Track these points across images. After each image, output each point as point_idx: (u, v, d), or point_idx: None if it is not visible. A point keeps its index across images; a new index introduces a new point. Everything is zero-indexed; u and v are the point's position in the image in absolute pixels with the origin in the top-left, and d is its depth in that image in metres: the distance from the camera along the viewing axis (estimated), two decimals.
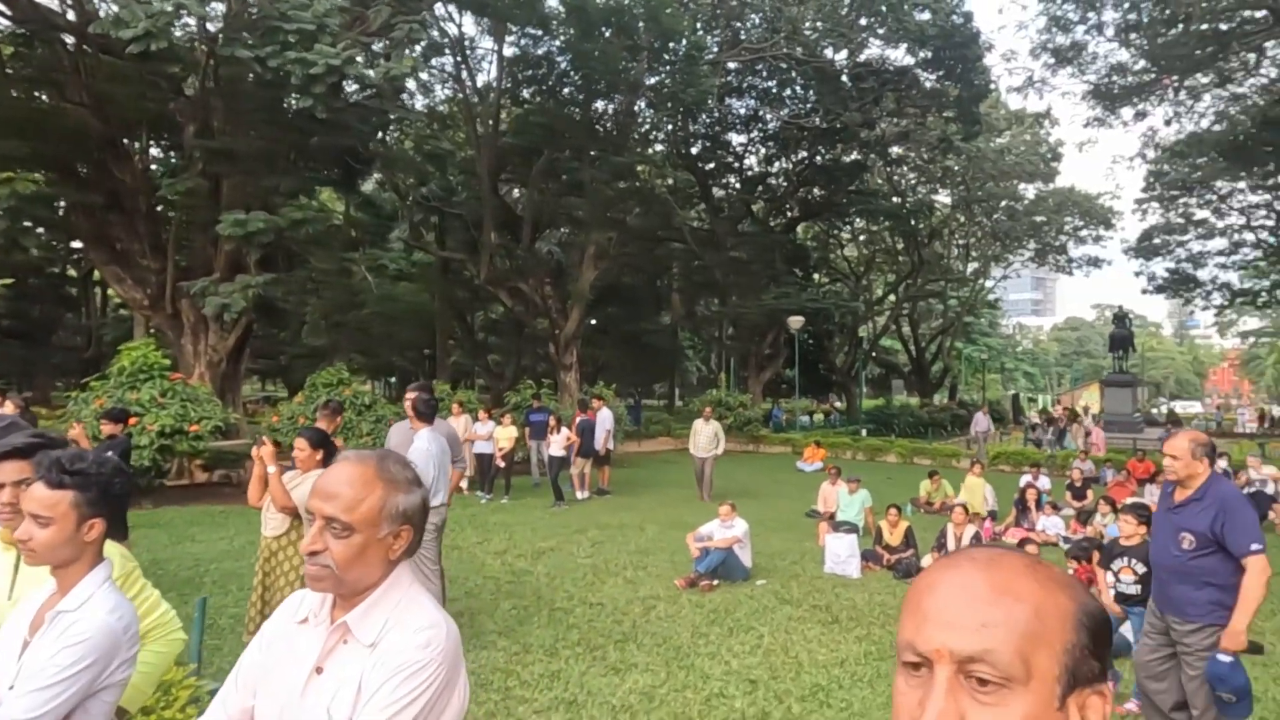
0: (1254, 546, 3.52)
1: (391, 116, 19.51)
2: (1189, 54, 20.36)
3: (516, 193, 28.34)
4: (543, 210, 25.25)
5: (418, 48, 16.61)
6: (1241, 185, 29.55)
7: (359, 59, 13.71)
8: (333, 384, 13.34)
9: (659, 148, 28.08)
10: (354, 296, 27.57)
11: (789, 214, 31.47)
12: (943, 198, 36.00)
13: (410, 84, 22.33)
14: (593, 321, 34.01)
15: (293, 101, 13.17)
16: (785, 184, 30.87)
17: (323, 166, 19.11)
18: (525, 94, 23.23)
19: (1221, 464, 12.51)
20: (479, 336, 37.46)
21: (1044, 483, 13.32)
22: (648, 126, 26.06)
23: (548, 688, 4.87)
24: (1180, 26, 19.99)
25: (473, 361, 36.34)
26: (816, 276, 36.04)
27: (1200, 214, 32.27)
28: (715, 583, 7.52)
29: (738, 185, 31.40)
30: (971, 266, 40.10)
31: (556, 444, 12.39)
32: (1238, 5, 19.04)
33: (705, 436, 13.14)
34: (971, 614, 0.72)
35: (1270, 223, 30.83)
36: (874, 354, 40.67)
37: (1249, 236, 31.74)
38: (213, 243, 15.31)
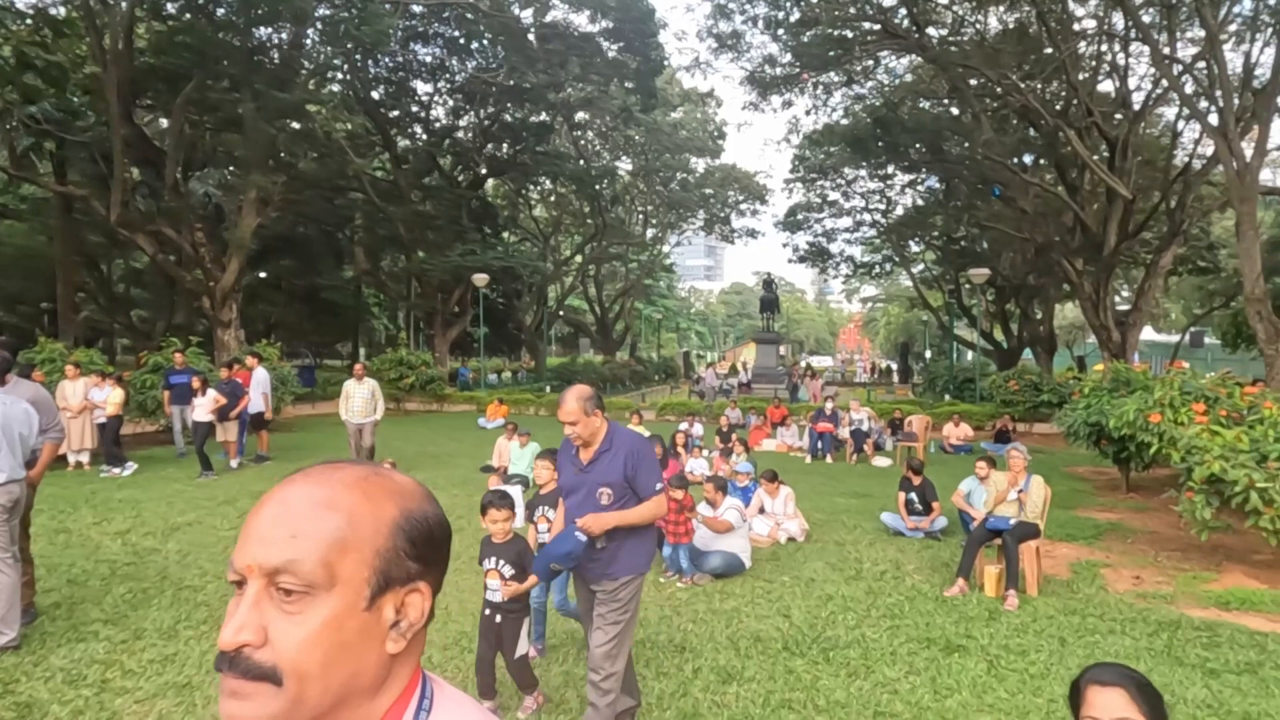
0: (658, 487, 3.54)
1: None
2: (823, 54, 23.35)
3: (164, 123, 24.61)
4: (195, 146, 22.24)
5: None
6: (862, 173, 34.77)
7: None
8: None
9: (335, 89, 26.06)
10: None
11: (477, 170, 31.06)
12: (625, 165, 37.88)
13: None
14: (262, 275, 31.02)
15: None
16: (473, 139, 30.37)
17: None
18: (170, 9, 20.12)
19: (829, 405, 14.84)
20: (118, 289, 32.32)
21: (698, 430, 14.80)
22: (320, 63, 23.99)
23: (158, 674, 4.39)
24: (816, 29, 22.82)
25: (111, 318, 31.26)
26: (506, 235, 36.17)
27: (833, 195, 37.35)
28: None
29: (424, 137, 30.28)
30: (651, 232, 42.87)
31: (202, 408, 11.11)
32: (857, 17, 22.19)
33: (360, 399, 11.46)
34: (283, 528, 0.74)
35: (882, 207, 36.76)
36: (561, 313, 41.99)
37: (867, 217, 37.58)
38: None
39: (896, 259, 38.69)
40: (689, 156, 37.89)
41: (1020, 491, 6.66)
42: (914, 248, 38.25)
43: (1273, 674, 4.71)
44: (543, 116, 30.16)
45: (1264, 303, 14.40)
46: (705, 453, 12.36)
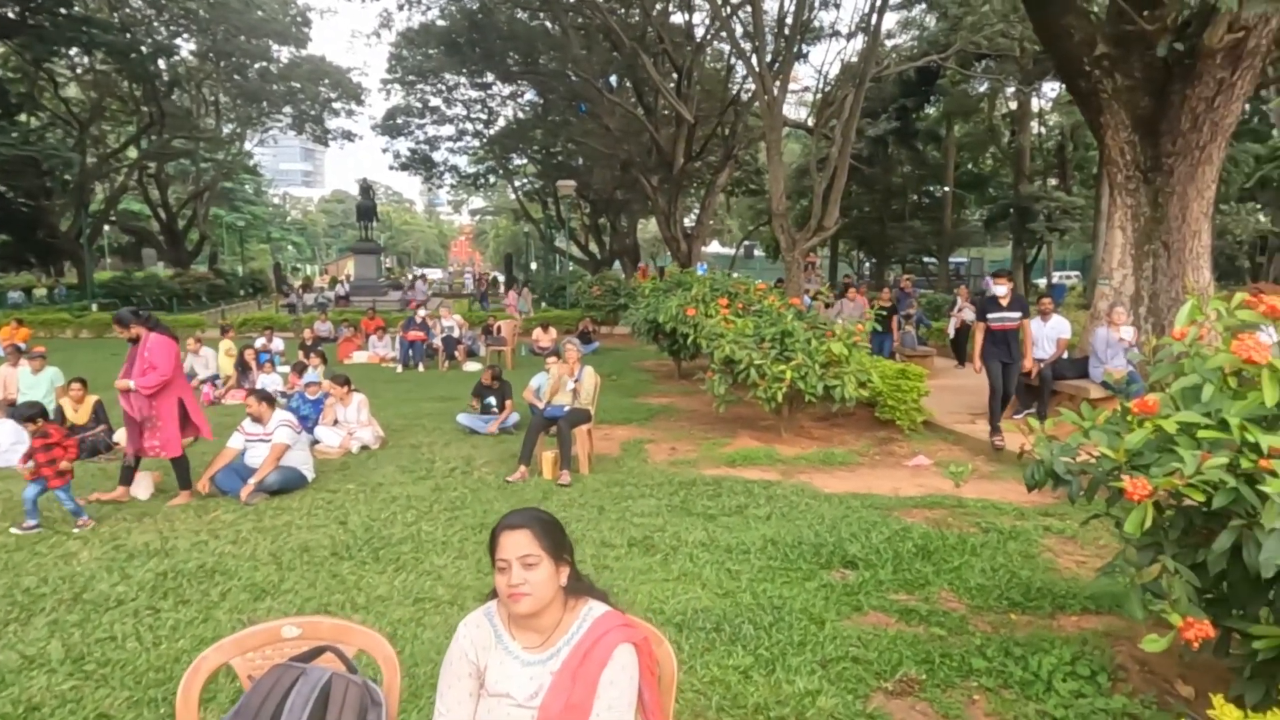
0: None
1: None
2: None
3: None
4: None
5: None
6: (463, 80, 34.00)
7: None
8: None
9: None
10: None
11: None
12: (188, 46, 32.36)
13: None
14: None
15: None
16: None
17: None
18: None
19: (420, 313, 14.68)
20: None
21: (278, 344, 13.61)
22: None
23: None
24: None
25: None
26: (25, 118, 28.91)
27: (434, 101, 36.05)
28: None
29: None
30: (227, 128, 37.57)
31: None
32: None
33: None
34: None
35: (484, 117, 36.52)
36: (114, 218, 35.21)
37: (470, 127, 37.08)
38: None
39: (500, 171, 39.07)
40: (269, 43, 33.55)
41: (575, 381, 7.18)
42: (516, 160, 38.92)
43: (754, 512, 5.74)
44: None
45: (784, 217, 17.26)
46: (280, 368, 11.40)
